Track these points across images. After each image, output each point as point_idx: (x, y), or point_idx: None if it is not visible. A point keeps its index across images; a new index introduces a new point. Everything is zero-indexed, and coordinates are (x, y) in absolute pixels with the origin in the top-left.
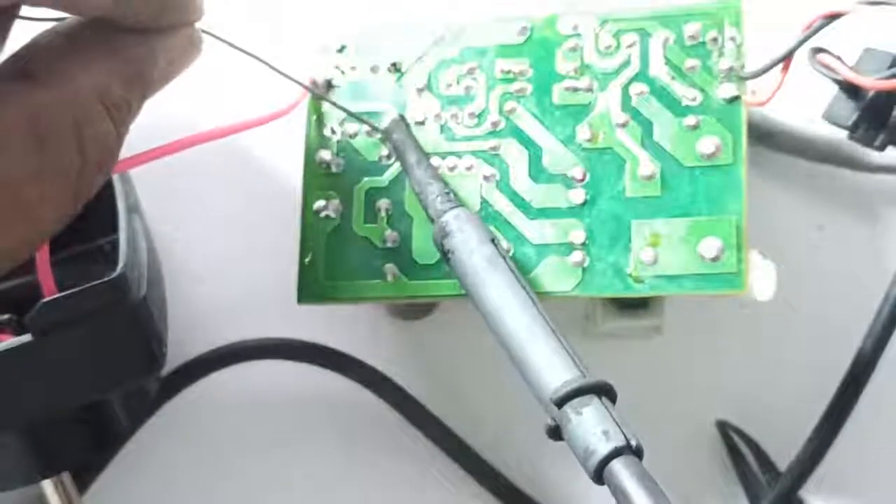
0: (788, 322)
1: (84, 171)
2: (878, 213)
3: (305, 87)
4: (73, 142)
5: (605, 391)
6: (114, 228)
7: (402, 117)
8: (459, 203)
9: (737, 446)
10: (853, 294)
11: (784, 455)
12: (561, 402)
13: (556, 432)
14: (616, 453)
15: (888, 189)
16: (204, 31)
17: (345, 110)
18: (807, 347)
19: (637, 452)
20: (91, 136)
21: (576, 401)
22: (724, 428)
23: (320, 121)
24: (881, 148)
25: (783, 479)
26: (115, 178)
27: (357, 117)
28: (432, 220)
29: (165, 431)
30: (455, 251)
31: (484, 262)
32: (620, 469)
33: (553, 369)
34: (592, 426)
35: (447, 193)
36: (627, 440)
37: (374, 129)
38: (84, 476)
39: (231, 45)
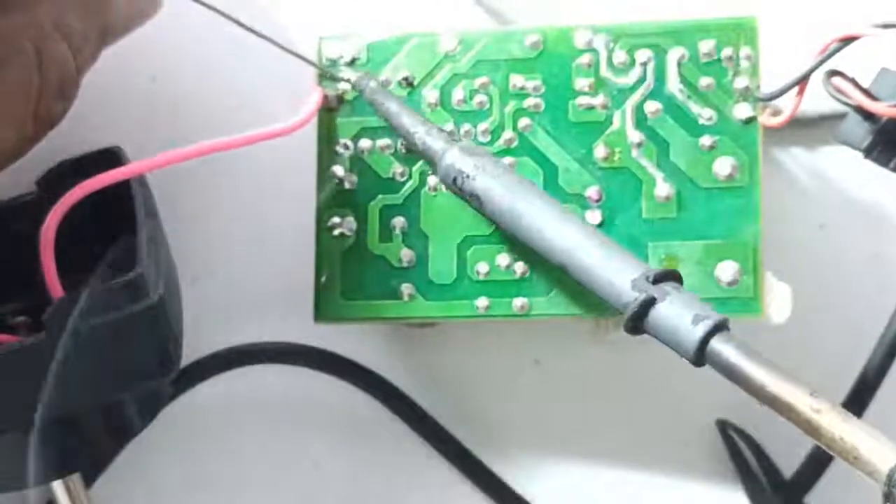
0: (789, 322)
1: (44, 92)
2: (880, 212)
3: (314, 65)
4: (32, 63)
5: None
6: (133, 231)
7: (368, 73)
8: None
9: (737, 446)
10: (854, 294)
11: (785, 455)
12: (657, 280)
13: (645, 308)
14: (724, 324)
15: (889, 187)
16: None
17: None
18: (807, 347)
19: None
20: (49, 58)
21: (670, 282)
22: (724, 428)
23: (331, 136)
24: None
25: (788, 485)
26: (134, 182)
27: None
28: (434, 163)
29: (168, 431)
30: (478, 183)
31: (518, 186)
32: (726, 339)
33: (633, 263)
34: (695, 298)
35: (441, 131)
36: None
37: (348, 82)
38: (85, 475)
39: (243, 25)
